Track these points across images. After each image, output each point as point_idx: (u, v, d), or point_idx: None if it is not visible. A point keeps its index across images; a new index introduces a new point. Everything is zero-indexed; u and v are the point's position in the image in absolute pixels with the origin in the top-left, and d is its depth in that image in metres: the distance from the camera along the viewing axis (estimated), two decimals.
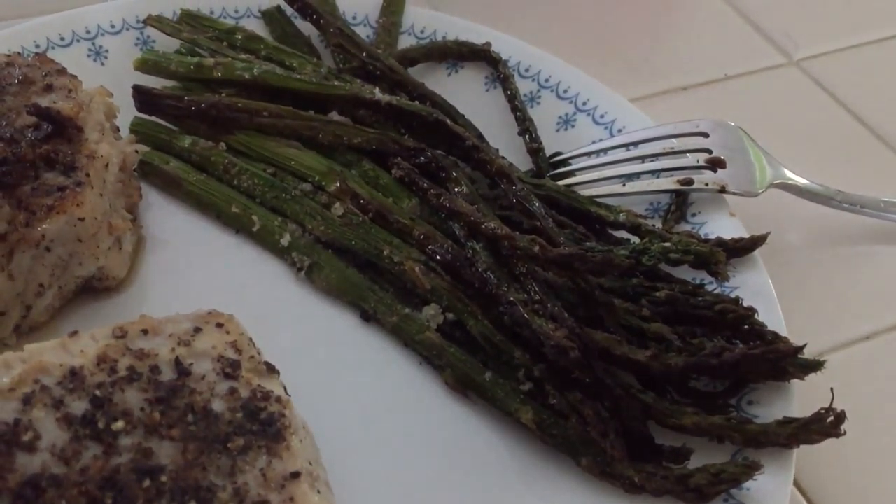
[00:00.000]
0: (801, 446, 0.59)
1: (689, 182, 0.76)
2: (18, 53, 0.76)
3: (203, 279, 0.71)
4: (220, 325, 0.58)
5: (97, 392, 0.51)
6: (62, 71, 0.73)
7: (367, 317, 0.70)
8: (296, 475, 0.51)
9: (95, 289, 0.69)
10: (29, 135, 0.66)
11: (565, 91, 0.86)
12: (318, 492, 0.52)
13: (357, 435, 0.63)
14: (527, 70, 0.88)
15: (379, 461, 0.62)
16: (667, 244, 0.66)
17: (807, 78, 0.99)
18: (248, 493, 0.49)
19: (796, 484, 0.65)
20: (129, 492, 0.48)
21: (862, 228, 0.82)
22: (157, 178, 0.77)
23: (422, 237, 0.71)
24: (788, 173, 0.79)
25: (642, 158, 0.79)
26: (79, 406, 0.50)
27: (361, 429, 0.64)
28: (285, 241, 0.73)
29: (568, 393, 0.62)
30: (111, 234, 0.68)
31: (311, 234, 0.73)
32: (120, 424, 0.50)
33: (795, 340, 0.62)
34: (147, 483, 0.48)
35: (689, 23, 1.08)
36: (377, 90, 0.79)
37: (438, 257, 0.70)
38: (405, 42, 0.90)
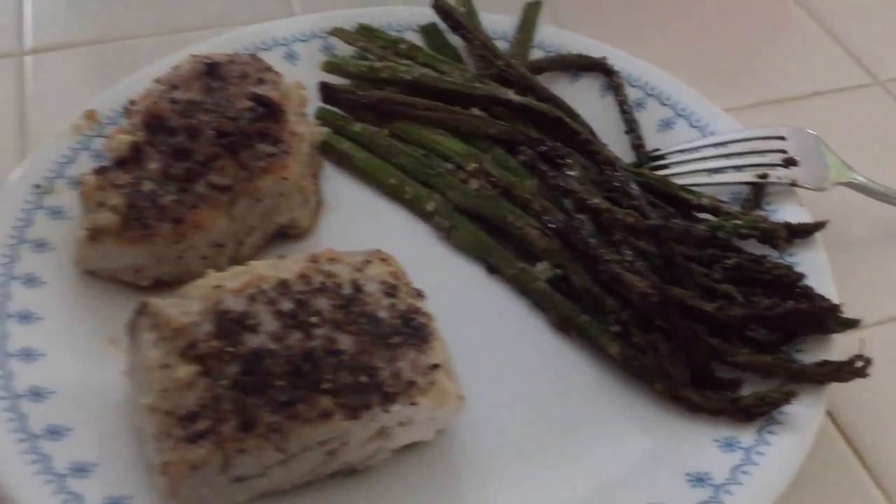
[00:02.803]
0: (834, 384, 0.73)
1: (765, 176, 0.91)
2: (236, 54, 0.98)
3: (367, 233, 0.89)
4: (383, 260, 0.77)
5: (299, 296, 0.71)
6: (269, 68, 0.94)
7: (492, 269, 0.88)
8: (436, 366, 0.70)
9: (287, 235, 0.89)
10: (247, 115, 0.88)
11: (667, 99, 1.02)
12: (451, 381, 0.70)
13: (478, 358, 0.80)
14: (636, 80, 1.04)
15: (494, 379, 0.79)
16: (738, 221, 0.82)
17: (889, 97, 1.11)
18: (402, 375, 0.68)
19: (829, 414, 0.79)
20: (320, 364, 0.67)
21: None
22: (333, 155, 0.97)
23: (539, 209, 0.89)
24: (857, 175, 0.93)
25: (727, 156, 0.94)
26: (286, 305, 0.70)
27: (482, 353, 0.81)
28: (430, 206, 0.92)
29: (647, 334, 0.78)
30: (301, 193, 0.89)
31: (451, 202, 0.92)
32: (314, 320, 0.70)
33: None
34: (333, 360, 0.68)
35: (784, 41, 1.21)
36: (511, 92, 0.97)
37: (552, 225, 0.87)
38: (535, 54, 1.08)
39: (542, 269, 0.86)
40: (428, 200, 0.92)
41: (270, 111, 0.88)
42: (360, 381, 0.67)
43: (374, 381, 0.67)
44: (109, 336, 0.78)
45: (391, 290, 0.73)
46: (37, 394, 0.71)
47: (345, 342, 0.69)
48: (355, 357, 0.68)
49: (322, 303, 0.71)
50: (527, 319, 0.85)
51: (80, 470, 0.67)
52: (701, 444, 0.73)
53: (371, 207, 0.94)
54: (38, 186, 0.86)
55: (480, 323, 0.84)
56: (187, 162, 0.83)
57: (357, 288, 0.73)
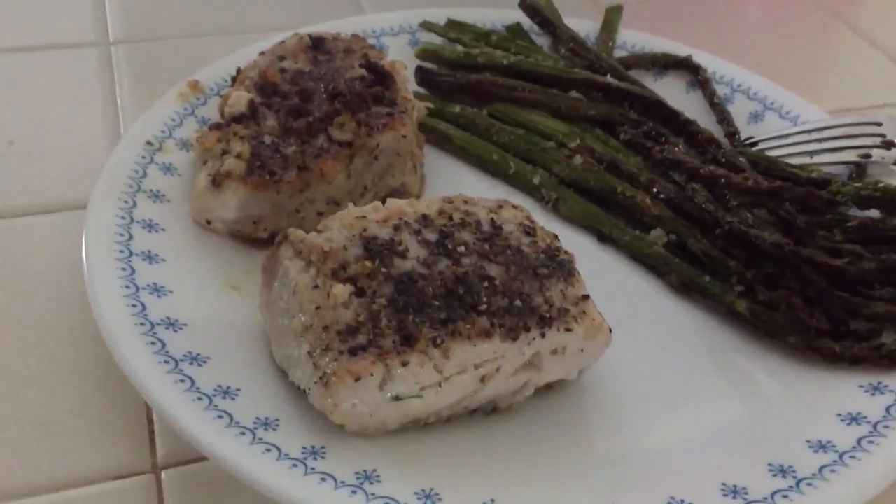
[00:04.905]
0: None
1: (868, 156, 0.92)
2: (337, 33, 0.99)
3: None
4: (515, 207, 0.76)
5: (442, 228, 0.70)
6: (372, 46, 0.96)
7: (603, 238, 0.88)
8: (586, 297, 0.69)
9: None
10: (359, 83, 0.89)
11: (755, 93, 1.04)
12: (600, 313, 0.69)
13: None
14: (721, 77, 1.07)
15: (620, 336, 0.78)
16: (858, 184, 0.83)
17: None
18: (554, 303, 0.67)
19: None
20: (474, 288, 0.66)
21: None
22: (432, 134, 0.98)
23: (647, 181, 0.89)
24: None
25: (824, 140, 0.96)
26: (431, 235, 0.70)
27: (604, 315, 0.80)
28: (536, 180, 0.92)
29: (774, 291, 0.78)
30: (412, 160, 0.89)
31: (556, 176, 0.92)
32: (461, 249, 0.69)
33: None
34: (486, 285, 0.67)
35: (834, 56, 1.26)
36: (608, 76, 0.99)
37: (662, 196, 0.88)
38: (618, 55, 1.10)
39: (657, 234, 0.86)
40: (533, 175, 0.92)
41: (382, 78, 0.88)
42: (515, 304, 0.66)
43: (528, 305, 0.66)
44: (230, 282, 0.76)
45: (529, 230, 0.73)
46: (171, 325, 0.69)
47: (494, 270, 0.68)
48: (507, 283, 0.67)
49: (465, 235, 0.70)
50: (644, 283, 0.84)
51: (226, 392, 0.64)
52: (848, 389, 0.71)
53: (472, 183, 0.94)
54: (149, 143, 0.86)
55: (597, 288, 0.83)
56: (306, 118, 0.83)
57: (496, 225, 0.72)
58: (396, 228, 0.70)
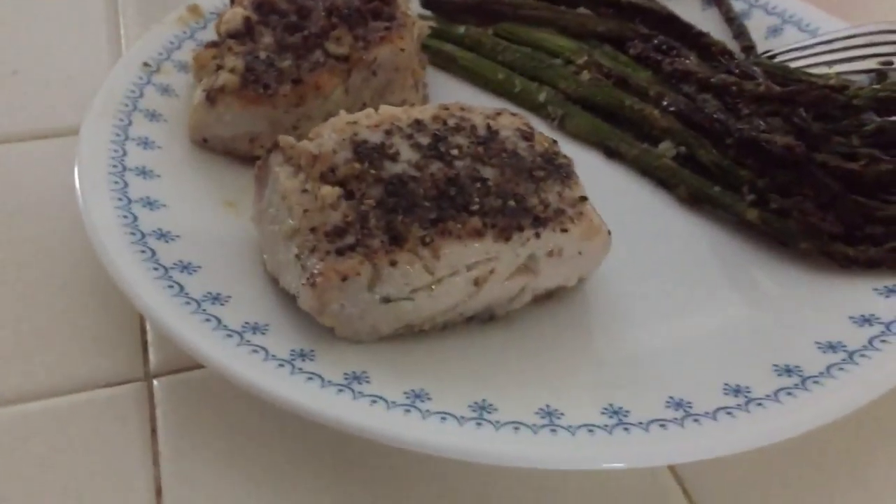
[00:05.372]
0: None
1: (890, 63, 0.88)
2: None
3: None
4: (513, 115, 0.74)
5: (436, 132, 0.68)
6: None
7: (611, 153, 0.85)
8: (584, 198, 0.67)
9: None
10: (358, 0, 0.86)
11: (773, 7, 1.00)
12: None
13: None
14: None
15: (626, 249, 0.75)
16: (877, 87, 0.79)
17: None
18: (550, 204, 0.65)
19: None
20: (466, 189, 0.64)
21: None
22: (436, 57, 0.96)
23: (656, 95, 0.86)
24: None
25: (845, 49, 0.91)
26: (423, 139, 0.68)
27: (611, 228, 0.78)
28: (542, 97, 0.89)
29: (788, 199, 0.75)
30: (413, 77, 0.86)
31: (562, 93, 0.89)
32: (455, 151, 0.67)
33: None
34: (479, 186, 0.65)
35: None
36: None
37: (672, 108, 0.85)
38: None
39: (666, 147, 0.83)
40: (539, 92, 0.90)
41: None
42: (508, 205, 0.64)
43: (522, 206, 0.64)
44: (226, 199, 0.75)
45: (527, 136, 0.70)
46: (162, 236, 0.68)
47: (488, 172, 0.66)
48: (501, 185, 0.65)
49: (460, 139, 0.68)
50: (652, 197, 0.81)
51: (216, 299, 0.63)
52: (861, 293, 0.68)
53: (476, 103, 0.91)
54: (146, 65, 0.85)
55: (604, 202, 0.80)
56: (303, 33, 0.81)
57: (492, 130, 0.70)
58: (388, 133, 0.68)
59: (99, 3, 1.07)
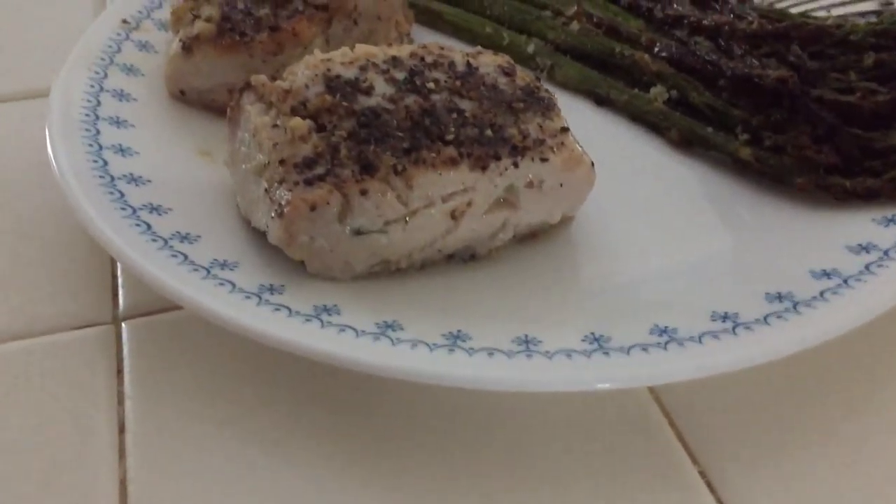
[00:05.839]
0: None
1: (890, 3, 0.85)
2: None
3: None
4: (496, 54, 0.72)
5: (413, 67, 0.66)
6: None
7: (601, 100, 0.83)
8: (566, 129, 0.64)
9: None
10: None
11: None
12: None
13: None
14: None
15: (615, 192, 0.72)
16: (873, 21, 0.76)
17: None
18: (530, 134, 0.63)
19: None
20: (441, 119, 0.62)
21: None
22: (423, 15, 0.93)
23: (648, 42, 0.83)
24: None
25: None
26: (399, 74, 0.66)
27: (600, 174, 0.75)
28: (531, 48, 0.87)
29: (782, 135, 0.72)
30: (398, 29, 0.84)
31: (551, 44, 0.87)
32: (431, 85, 0.65)
33: None
34: (455, 116, 0.62)
35: None
36: None
37: (664, 54, 0.82)
38: None
39: (658, 91, 0.80)
40: (527, 44, 0.87)
41: None
42: (485, 134, 0.61)
43: (500, 136, 0.62)
44: (201, 149, 0.74)
45: (508, 72, 0.68)
46: (133, 180, 0.66)
47: (465, 105, 0.64)
48: (478, 116, 0.63)
49: (437, 74, 0.66)
50: (643, 141, 0.79)
51: (185, 238, 0.61)
52: (858, 223, 0.65)
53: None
54: (125, 22, 0.83)
55: (593, 148, 0.78)
56: None
57: (472, 66, 0.68)
58: (363, 69, 0.66)
59: None
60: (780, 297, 0.58)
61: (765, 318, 0.55)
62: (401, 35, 0.85)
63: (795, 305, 0.56)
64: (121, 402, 0.57)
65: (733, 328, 0.55)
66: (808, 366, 0.58)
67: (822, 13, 0.87)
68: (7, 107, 0.85)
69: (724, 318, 0.56)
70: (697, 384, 0.55)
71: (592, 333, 0.55)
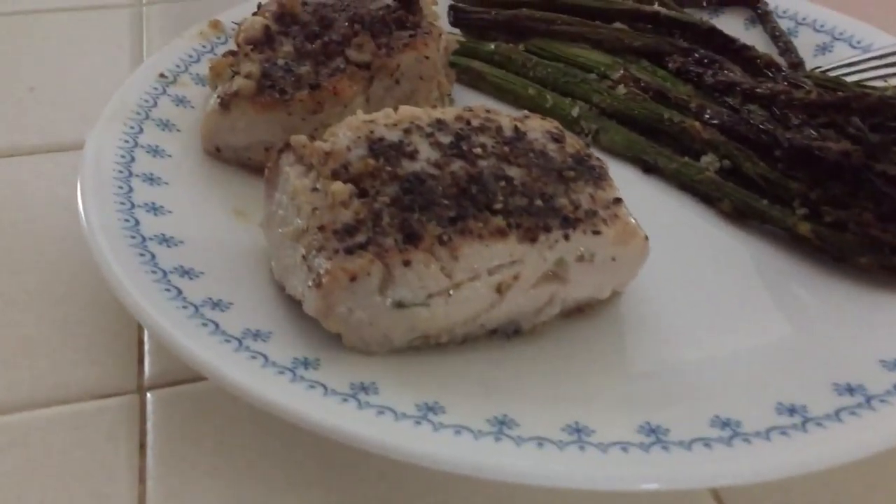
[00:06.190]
0: None
1: None
2: None
3: None
4: (543, 118, 0.69)
5: (459, 131, 0.64)
6: None
7: (649, 168, 0.80)
8: (619, 200, 0.61)
9: None
10: (382, 11, 0.83)
11: (822, 25, 0.95)
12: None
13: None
14: (784, 11, 0.98)
15: (667, 266, 0.69)
16: None
17: None
18: (581, 205, 0.60)
19: None
20: (489, 187, 0.59)
21: None
22: (465, 74, 0.92)
23: (697, 108, 0.81)
24: None
25: None
26: (445, 138, 0.63)
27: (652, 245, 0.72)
28: (575, 112, 0.84)
29: (844, 211, 0.69)
30: (439, 89, 0.82)
31: (597, 108, 0.85)
32: (478, 150, 0.62)
33: None
34: (503, 184, 0.59)
35: None
36: (656, 4, 0.92)
37: (715, 121, 0.79)
38: None
39: (708, 160, 0.77)
40: (572, 107, 0.85)
41: (406, 4, 0.83)
42: (535, 204, 0.58)
43: (550, 206, 0.59)
44: (236, 208, 0.71)
45: (557, 137, 0.65)
46: (165, 240, 0.64)
47: (513, 172, 0.61)
48: (527, 184, 0.60)
49: (484, 139, 0.63)
50: (693, 211, 0.75)
51: (216, 305, 0.58)
52: None
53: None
54: (163, 76, 0.82)
55: (641, 217, 0.74)
56: (323, 40, 0.78)
57: (519, 131, 0.65)
58: (407, 132, 0.63)
59: (124, 21, 1.05)
60: (850, 390, 0.53)
61: (836, 414, 0.51)
62: (442, 95, 0.83)
63: (869, 400, 0.52)
64: (142, 480, 0.53)
65: (803, 423, 0.51)
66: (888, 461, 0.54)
67: (878, 83, 0.85)
68: (40, 159, 0.83)
69: (792, 411, 0.52)
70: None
71: (648, 423, 0.51)
